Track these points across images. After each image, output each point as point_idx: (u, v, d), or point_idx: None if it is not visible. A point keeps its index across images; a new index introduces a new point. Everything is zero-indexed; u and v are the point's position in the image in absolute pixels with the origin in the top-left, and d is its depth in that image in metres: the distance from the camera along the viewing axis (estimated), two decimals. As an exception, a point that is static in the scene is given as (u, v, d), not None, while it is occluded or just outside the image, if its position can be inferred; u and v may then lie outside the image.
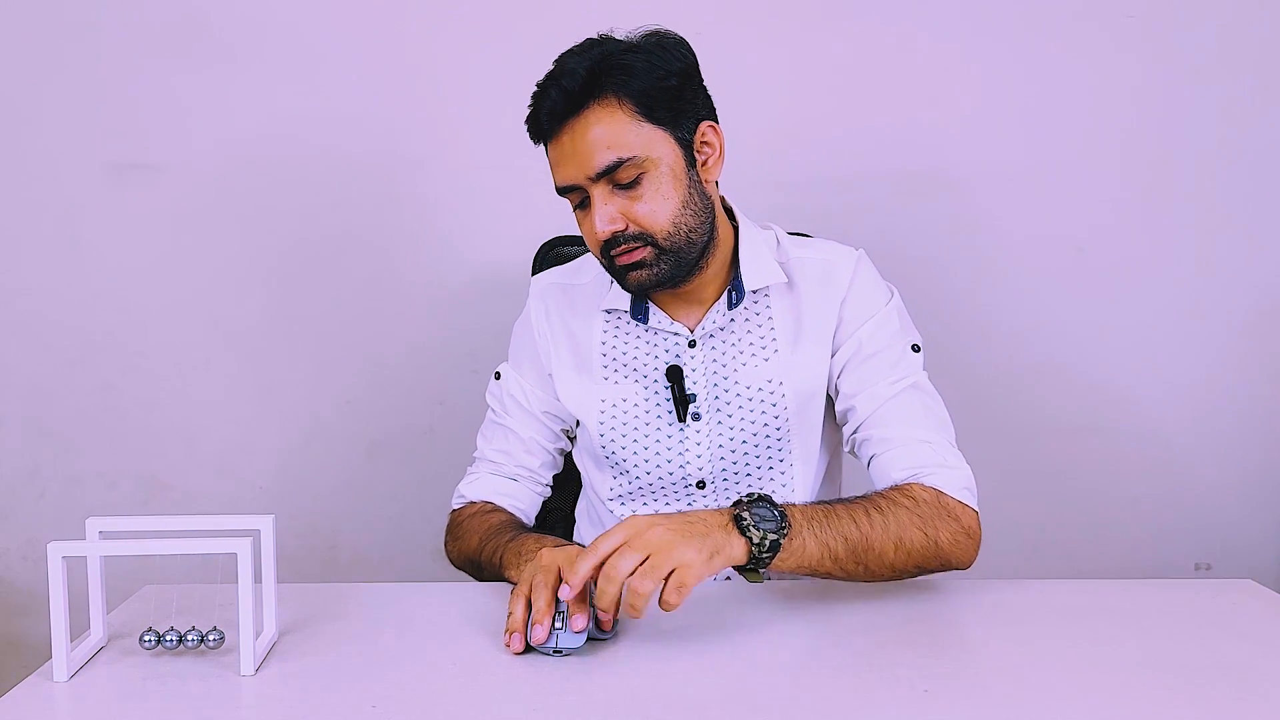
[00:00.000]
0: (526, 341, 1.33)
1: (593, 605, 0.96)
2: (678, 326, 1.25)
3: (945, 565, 1.11)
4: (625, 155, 1.11)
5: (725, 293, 1.24)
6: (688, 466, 1.25)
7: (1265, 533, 1.93)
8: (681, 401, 1.24)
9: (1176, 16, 1.81)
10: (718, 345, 1.25)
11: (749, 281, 1.23)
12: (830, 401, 1.27)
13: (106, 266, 1.86)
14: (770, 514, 0.99)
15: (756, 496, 1.01)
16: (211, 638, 0.95)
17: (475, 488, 1.31)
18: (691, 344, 1.25)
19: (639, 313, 1.25)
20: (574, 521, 1.45)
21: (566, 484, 1.41)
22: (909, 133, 1.84)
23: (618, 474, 1.29)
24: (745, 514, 0.98)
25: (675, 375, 1.24)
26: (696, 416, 1.24)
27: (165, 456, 1.90)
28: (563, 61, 1.14)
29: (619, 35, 1.15)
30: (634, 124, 1.12)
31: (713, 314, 1.24)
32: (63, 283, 1.86)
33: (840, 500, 1.09)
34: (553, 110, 1.13)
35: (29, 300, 1.86)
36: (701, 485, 1.26)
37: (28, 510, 1.91)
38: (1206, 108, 1.83)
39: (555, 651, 0.94)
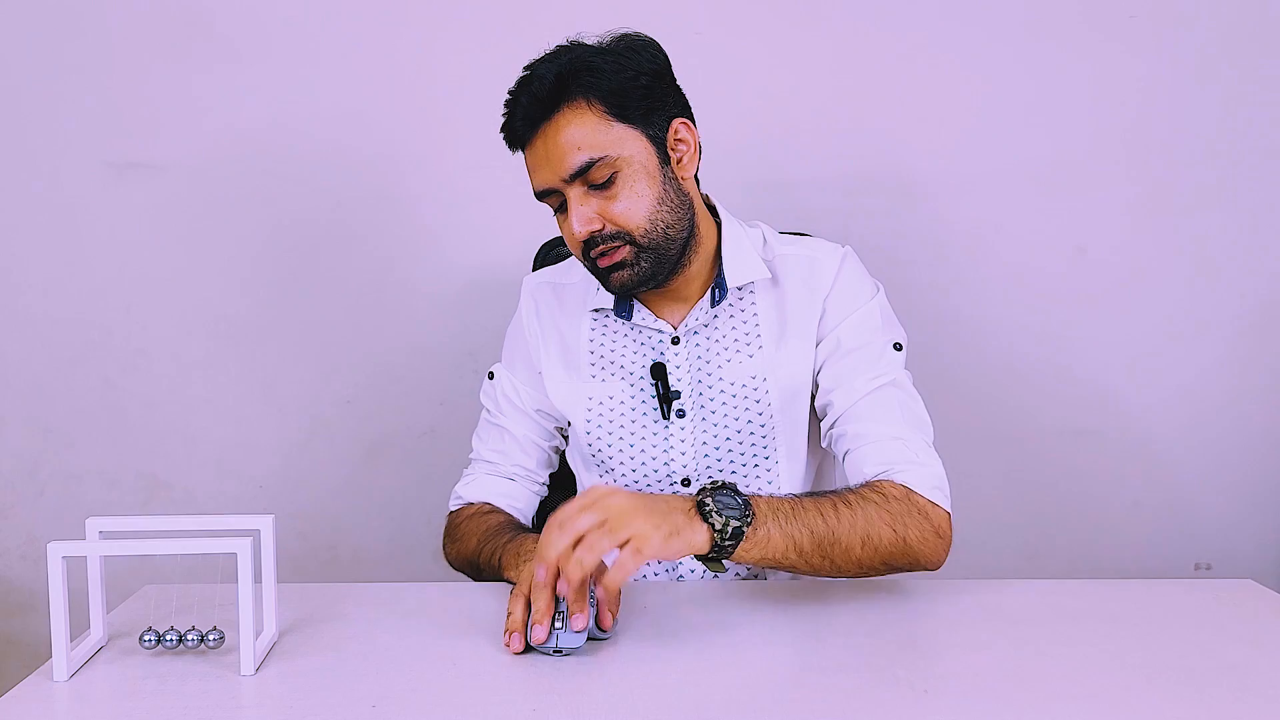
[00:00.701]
0: (518, 340, 1.34)
1: (593, 605, 0.96)
2: (660, 323, 1.25)
3: (914, 564, 1.10)
4: (597, 155, 1.12)
5: (709, 289, 1.25)
6: (672, 464, 1.25)
7: (1265, 533, 1.93)
8: (665, 398, 1.24)
9: (1178, 17, 1.81)
10: (701, 342, 1.25)
11: (732, 278, 1.23)
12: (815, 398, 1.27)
13: (107, 265, 1.86)
14: (734, 502, 0.99)
15: (720, 484, 1.01)
16: (211, 638, 0.95)
17: (472, 489, 1.32)
18: (675, 340, 1.25)
19: (623, 309, 1.25)
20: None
21: (566, 483, 1.41)
22: (909, 133, 1.83)
23: (603, 472, 1.29)
24: (708, 500, 0.98)
25: (659, 372, 1.24)
26: (681, 413, 1.25)
27: (165, 455, 1.90)
28: (532, 68, 1.16)
29: (589, 40, 1.16)
30: (604, 124, 1.13)
31: (696, 311, 1.25)
32: (63, 281, 1.86)
33: (809, 494, 1.08)
34: (525, 117, 1.14)
35: (30, 298, 1.86)
36: (686, 483, 1.26)
37: (27, 509, 1.91)
38: (1208, 108, 1.82)
39: (555, 651, 0.94)
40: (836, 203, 1.83)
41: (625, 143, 1.14)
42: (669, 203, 1.17)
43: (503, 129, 1.18)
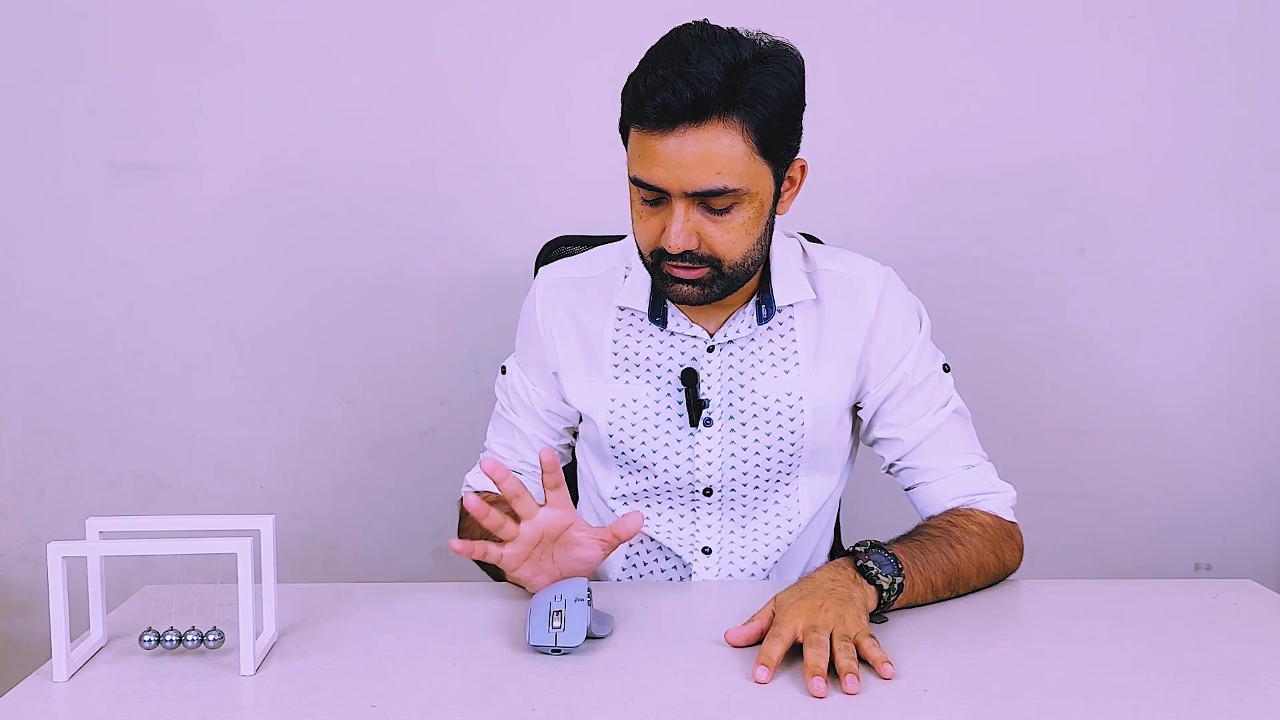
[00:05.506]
0: (532, 339, 1.30)
1: (591, 607, 0.97)
2: (697, 330, 1.22)
3: (1004, 578, 1.20)
4: (732, 186, 1.07)
5: (754, 305, 1.22)
6: (696, 473, 1.23)
7: (1265, 533, 1.93)
8: (694, 406, 1.22)
9: (1179, 16, 1.81)
10: (735, 353, 1.23)
11: (780, 297, 1.21)
12: (850, 420, 1.27)
13: (108, 265, 1.86)
14: (887, 559, 1.05)
15: (871, 543, 1.07)
16: (211, 638, 0.95)
17: (481, 479, 1.31)
18: (710, 349, 1.23)
19: (658, 315, 1.22)
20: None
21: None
22: (910, 134, 1.83)
23: (625, 474, 1.27)
24: (870, 563, 1.04)
25: (690, 379, 1.22)
26: (709, 422, 1.23)
27: (166, 456, 1.90)
28: (689, 51, 1.04)
29: (742, 33, 1.09)
30: (749, 157, 1.07)
31: (735, 323, 1.22)
32: (64, 281, 1.86)
33: (922, 533, 1.14)
34: (670, 109, 1.04)
35: (30, 299, 1.86)
36: (708, 493, 1.24)
37: (28, 509, 1.91)
38: (1209, 107, 1.82)
39: (555, 651, 0.95)
40: (835, 202, 1.83)
41: (758, 180, 1.09)
42: (764, 240, 1.15)
43: (633, 98, 1.07)
